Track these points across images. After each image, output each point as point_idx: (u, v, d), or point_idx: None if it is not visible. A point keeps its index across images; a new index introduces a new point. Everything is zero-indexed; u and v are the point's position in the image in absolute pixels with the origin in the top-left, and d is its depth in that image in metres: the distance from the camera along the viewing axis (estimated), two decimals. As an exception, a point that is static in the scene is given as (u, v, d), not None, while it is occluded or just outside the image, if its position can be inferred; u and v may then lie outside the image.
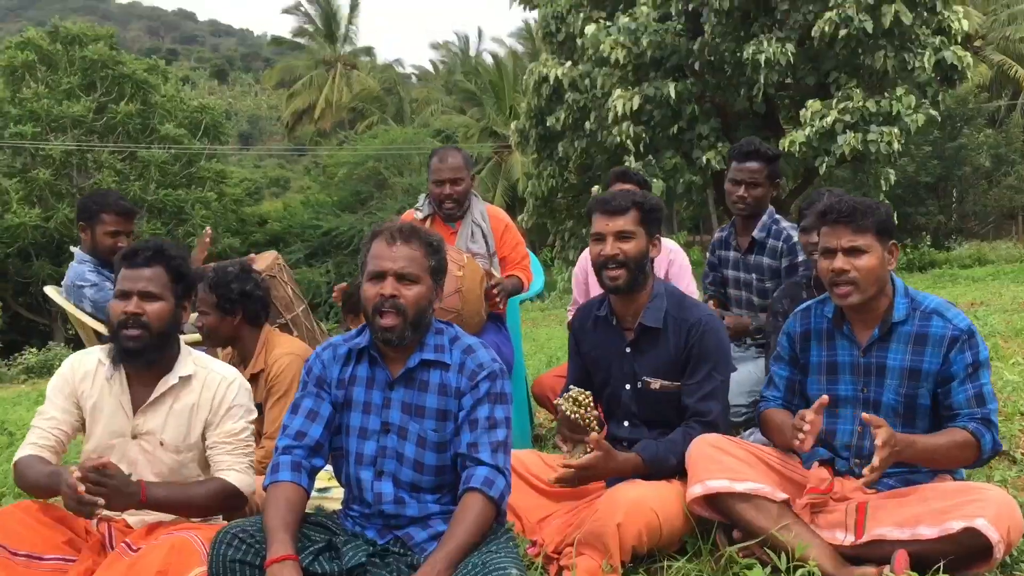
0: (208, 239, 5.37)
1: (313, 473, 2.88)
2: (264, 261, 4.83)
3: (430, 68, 58.45)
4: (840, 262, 3.10)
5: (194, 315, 4.14)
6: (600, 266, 3.44)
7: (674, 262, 4.96)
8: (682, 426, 3.38)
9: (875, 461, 2.76)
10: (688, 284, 4.90)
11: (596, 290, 4.74)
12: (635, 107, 15.78)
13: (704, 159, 16.08)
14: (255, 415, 3.27)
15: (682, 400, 3.42)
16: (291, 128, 51.38)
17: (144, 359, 3.09)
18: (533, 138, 18.67)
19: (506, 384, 2.91)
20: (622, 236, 3.41)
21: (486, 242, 4.96)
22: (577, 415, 3.28)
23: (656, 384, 3.47)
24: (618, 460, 3.26)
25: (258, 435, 3.87)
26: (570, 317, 4.24)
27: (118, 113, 27.74)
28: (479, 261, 4.76)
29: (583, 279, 5.24)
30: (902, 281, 3.19)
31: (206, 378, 3.22)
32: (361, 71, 50.86)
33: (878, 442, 2.78)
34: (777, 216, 4.76)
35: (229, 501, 3.08)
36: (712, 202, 26.28)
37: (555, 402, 3.33)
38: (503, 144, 35.28)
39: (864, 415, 2.85)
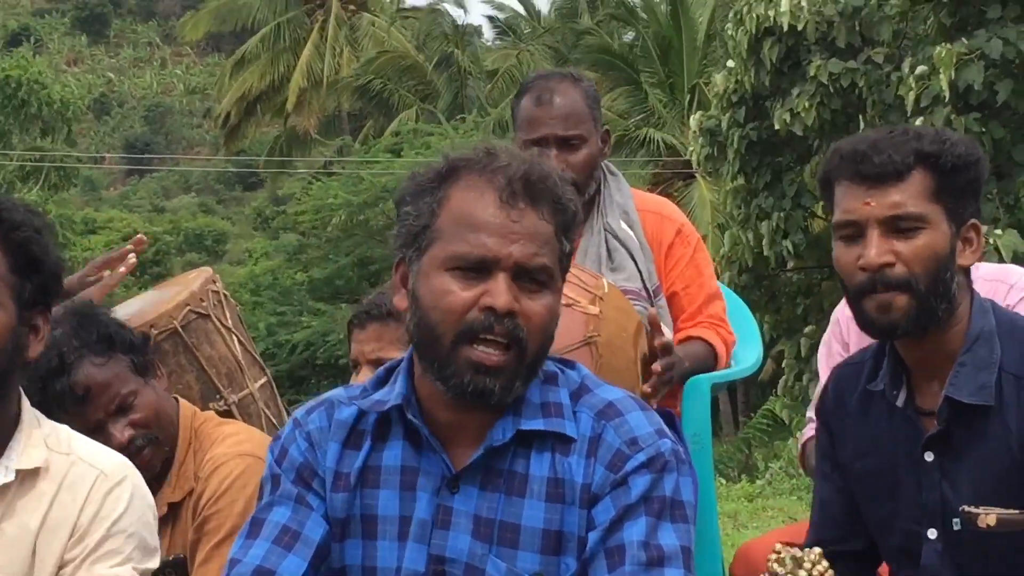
0: (142, 245, 3.62)
1: None
2: (185, 286, 3.49)
3: (523, 11, 35.46)
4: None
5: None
6: (860, 291, 2.33)
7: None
8: None
9: None
10: None
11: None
12: (966, 78, 9.93)
13: None
14: (155, 561, 2.25)
15: None
16: (233, 131, 31.77)
17: None
18: (737, 148, 12.74)
19: (685, 484, 1.92)
20: (898, 225, 2.26)
21: (637, 266, 3.32)
22: None
23: (991, 518, 2.50)
24: None
25: None
26: (805, 436, 3.28)
27: None
28: (632, 301, 3.30)
29: (840, 340, 3.58)
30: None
31: (69, 473, 2.20)
32: (379, 15, 32.33)
33: None
34: None
35: None
36: None
37: (768, 559, 2.48)
38: (676, 161, 20.78)
39: None
